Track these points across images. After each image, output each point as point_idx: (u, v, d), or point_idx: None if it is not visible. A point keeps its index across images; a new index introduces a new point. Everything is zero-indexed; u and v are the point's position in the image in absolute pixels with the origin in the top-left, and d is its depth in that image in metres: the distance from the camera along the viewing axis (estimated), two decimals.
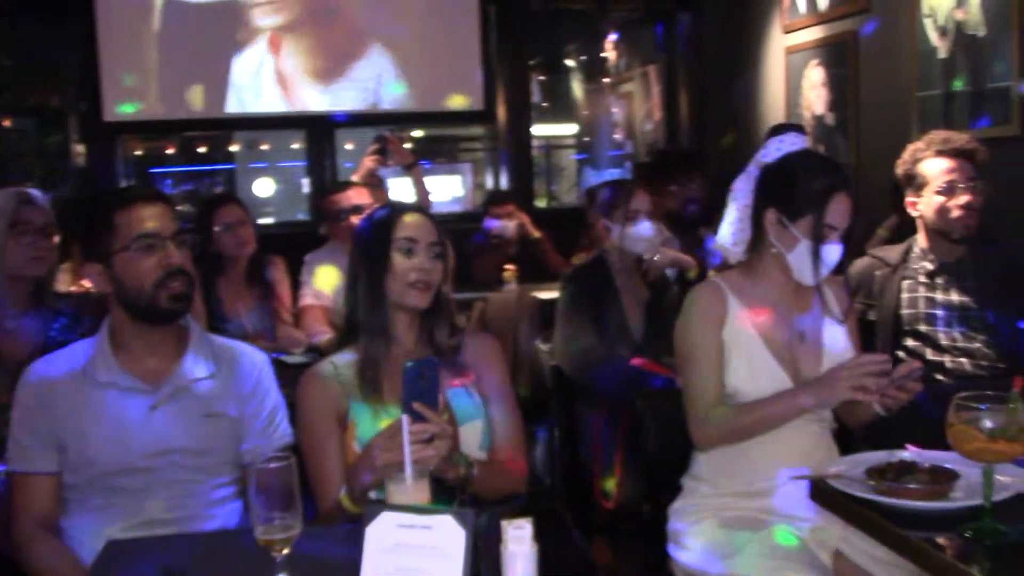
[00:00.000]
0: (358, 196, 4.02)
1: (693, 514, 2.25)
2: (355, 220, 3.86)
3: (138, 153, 7.11)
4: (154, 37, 5.99)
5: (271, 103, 6.18)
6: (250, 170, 7.75)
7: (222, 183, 7.75)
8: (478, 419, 2.16)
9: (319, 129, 6.40)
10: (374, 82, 6.23)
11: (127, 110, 5.93)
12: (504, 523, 1.50)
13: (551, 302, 3.82)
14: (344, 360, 2.16)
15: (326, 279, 3.92)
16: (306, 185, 6.71)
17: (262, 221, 5.58)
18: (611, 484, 3.10)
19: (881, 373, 2.03)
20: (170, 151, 7.73)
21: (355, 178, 4.41)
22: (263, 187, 7.54)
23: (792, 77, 5.65)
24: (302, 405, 2.15)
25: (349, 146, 7.18)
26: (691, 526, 2.24)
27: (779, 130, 2.40)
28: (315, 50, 6.18)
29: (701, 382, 2.24)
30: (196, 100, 6.10)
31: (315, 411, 2.12)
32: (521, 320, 4.09)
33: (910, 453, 1.94)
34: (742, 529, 2.14)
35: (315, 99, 6.23)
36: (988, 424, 1.60)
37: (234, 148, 7.66)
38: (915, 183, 2.92)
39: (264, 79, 6.14)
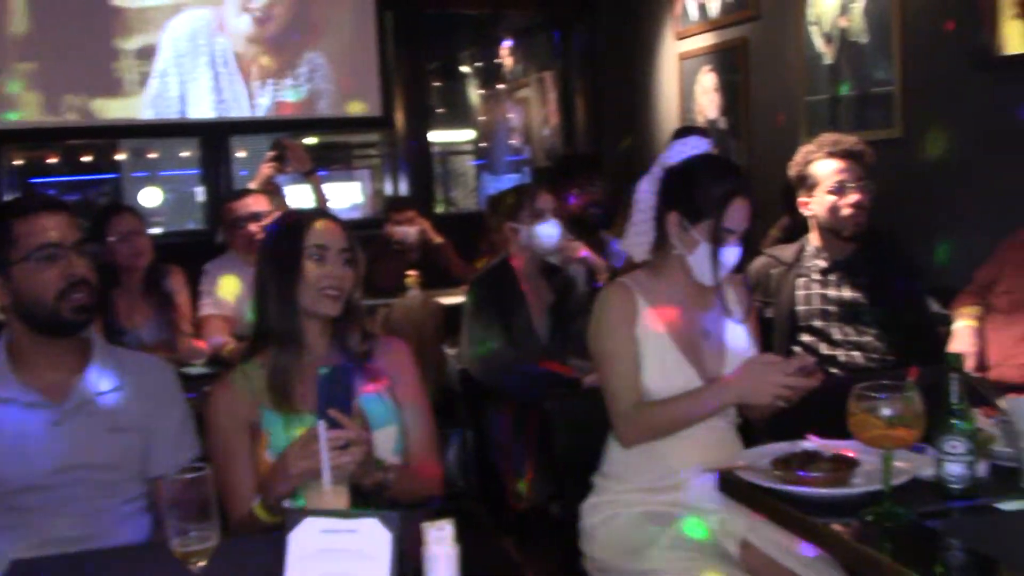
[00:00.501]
0: (257, 203, 3.97)
1: (604, 511, 2.29)
2: (253, 228, 3.82)
3: (18, 163, 6.84)
4: (34, 41, 5.78)
5: (162, 110, 6.03)
6: (137, 179, 7.55)
7: (108, 193, 7.53)
8: (392, 424, 2.16)
9: (213, 136, 6.28)
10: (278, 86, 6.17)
11: (11, 117, 5.70)
12: (425, 525, 1.51)
13: (455, 307, 3.84)
14: (253, 369, 2.13)
15: (227, 288, 3.86)
16: (199, 194, 6.57)
17: (151, 231, 5.42)
18: (521, 485, 3.14)
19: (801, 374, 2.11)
20: (52, 160, 7.48)
21: (252, 185, 4.35)
22: (151, 196, 7.36)
23: (686, 82, 5.79)
24: (211, 415, 2.12)
25: (241, 154, 7.06)
26: (602, 523, 2.28)
27: (682, 133, 2.46)
28: (205, 55, 6.06)
29: (621, 381, 2.28)
30: (81, 108, 5.91)
31: (225, 421, 2.09)
32: (426, 325, 4.09)
33: (812, 443, 2.02)
34: (653, 524, 2.19)
35: (210, 106, 6.11)
36: (886, 412, 1.68)
37: (120, 157, 7.45)
38: (807, 184, 3.04)
39: (155, 86, 5.99)
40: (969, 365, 3.04)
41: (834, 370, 2.97)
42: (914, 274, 3.15)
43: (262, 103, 6.17)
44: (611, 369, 2.29)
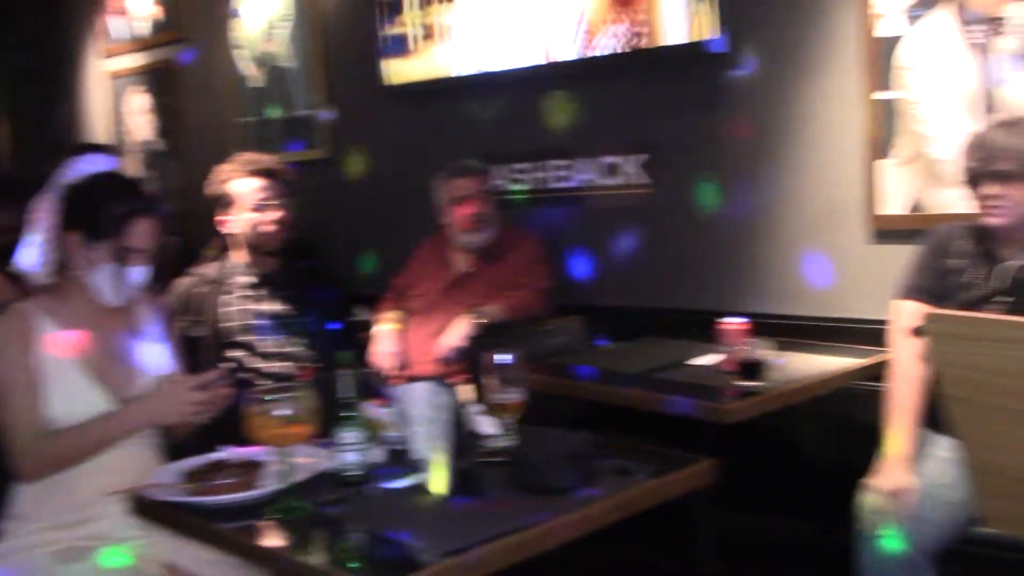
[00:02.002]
0: None
1: (15, 555, 2.12)
2: None
3: None
4: None
5: None
6: None
7: None
8: None
9: None
10: None
11: None
12: None
13: None
14: None
15: None
16: None
17: None
18: None
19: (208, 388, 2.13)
20: None
21: None
22: None
23: (118, 102, 5.58)
24: None
25: None
26: (13, 569, 2.10)
27: (82, 150, 2.36)
28: None
29: (17, 413, 2.13)
30: None
31: None
32: None
33: (224, 452, 2.05)
34: (66, 562, 2.07)
35: None
36: (279, 412, 1.76)
37: None
38: (226, 202, 3.08)
39: None
40: (392, 364, 3.31)
41: (266, 382, 3.04)
42: (337, 284, 3.34)
43: None
44: (6, 401, 2.12)
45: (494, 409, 2.04)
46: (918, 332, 1.21)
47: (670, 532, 2.57)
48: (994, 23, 2.71)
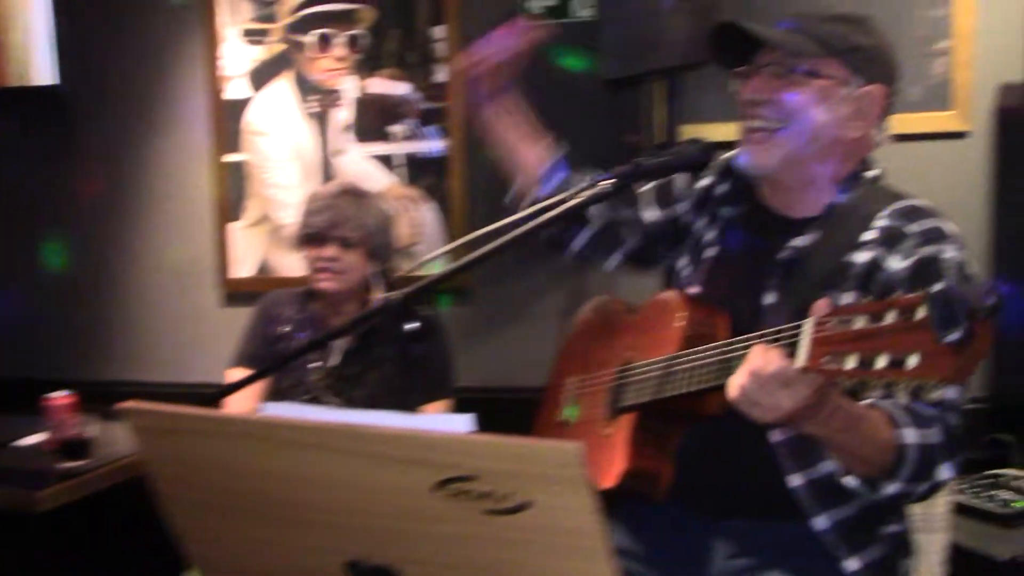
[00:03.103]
0: None
1: None
2: None
3: None
4: None
5: None
6: None
7: None
8: None
9: None
10: None
11: None
12: None
13: None
14: None
15: None
16: None
17: None
18: None
19: None
20: None
21: None
22: None
23: None
24: None
25: None
26: None
27: None
28: None
29: None
30: None
31: None
32: None
33: None
34: None
35: None
36: None
37: None
38: None
39: None
40: None
41: None
42: None
43: None
44: None
45: None
46: (122, 420, 1.14)
47: None
48: (330, 95, 2.85)
